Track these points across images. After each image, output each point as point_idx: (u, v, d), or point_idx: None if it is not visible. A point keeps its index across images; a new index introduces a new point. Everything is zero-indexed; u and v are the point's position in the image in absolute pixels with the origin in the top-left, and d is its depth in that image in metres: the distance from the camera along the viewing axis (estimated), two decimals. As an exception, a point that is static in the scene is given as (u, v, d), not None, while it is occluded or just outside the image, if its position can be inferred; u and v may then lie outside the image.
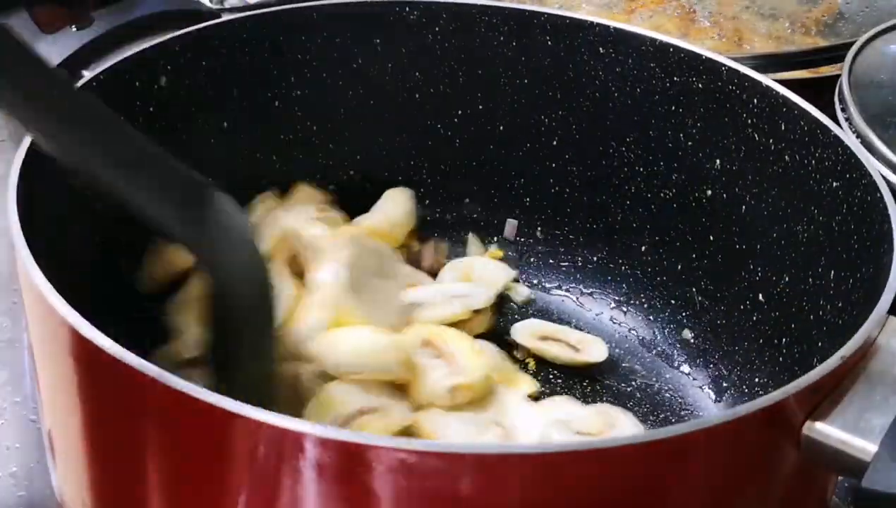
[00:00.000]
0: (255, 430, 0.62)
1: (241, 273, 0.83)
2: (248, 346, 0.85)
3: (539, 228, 1.13)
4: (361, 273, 0.96)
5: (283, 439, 0.62)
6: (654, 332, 1.10)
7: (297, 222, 0.99)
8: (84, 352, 0.68)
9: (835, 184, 0.90)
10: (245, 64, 1.04)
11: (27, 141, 0.83)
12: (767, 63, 1.16)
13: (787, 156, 0.95)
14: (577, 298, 1.13)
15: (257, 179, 1.06)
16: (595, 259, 1.13)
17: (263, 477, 0.64)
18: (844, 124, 1.03)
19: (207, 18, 1.02)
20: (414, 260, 1.08)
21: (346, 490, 0.63)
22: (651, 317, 1.10)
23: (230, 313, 0.82)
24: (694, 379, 1.05)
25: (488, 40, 1.08)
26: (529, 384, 0.99)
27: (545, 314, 1.12)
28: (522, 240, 1.15)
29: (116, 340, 0.66)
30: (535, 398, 0.99)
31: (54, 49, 0.97)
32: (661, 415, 1.03)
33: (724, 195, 1.02)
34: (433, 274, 1.08)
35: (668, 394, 1.05)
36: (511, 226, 1.15)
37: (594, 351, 1.05)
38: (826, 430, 0.68)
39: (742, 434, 0.66)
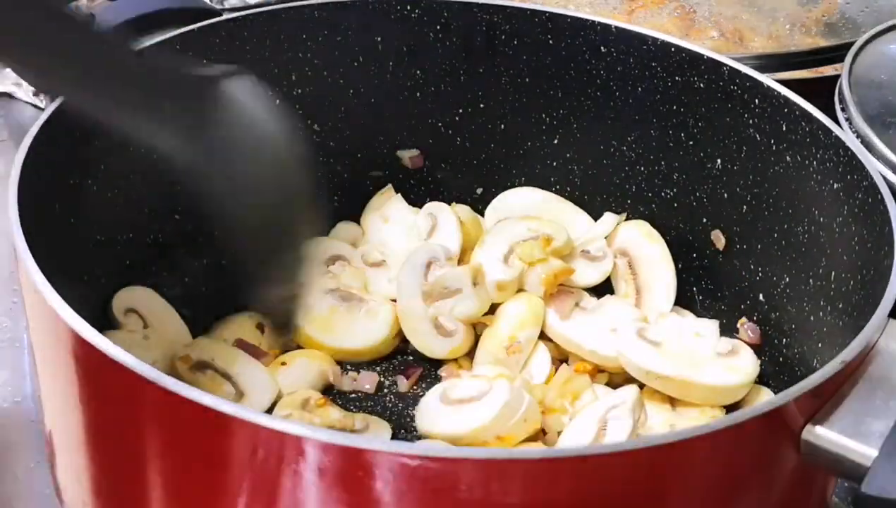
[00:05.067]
0: (256, 434, 0.62)
1: (256, 182, 0.77)
2: (277, 252, 0.80)
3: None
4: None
5: (284, 443, 0.62)
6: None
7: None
8: (84, 353, 0.68)
9: (836, 185, 0.90)
10: (246, 62, 1.03)
11: (27, 141, 0.83)
12: (768, 63, 1.16)
13: (787, 157, 0.95)
14: (578, 297, 1.13)
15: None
16: (595, 258, 1.13)
17: (264, 481, 0.64)
18: (844, 124, 1.03)
19: (208, 17, 1.02)
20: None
21: (347, 494, 0.63)
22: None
23: (251, 220, 0.77)
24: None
25: (489, 39, 1.08)
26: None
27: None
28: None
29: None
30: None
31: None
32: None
33: (725, 195, 1.02)
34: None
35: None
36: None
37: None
38: (826, 435, 0.68)
39: (743, 438, 0.67)
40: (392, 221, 1.09)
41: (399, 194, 1.11)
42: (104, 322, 0.93)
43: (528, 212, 1.10)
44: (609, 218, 1.09)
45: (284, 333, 0.86)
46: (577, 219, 1.11)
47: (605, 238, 1.08)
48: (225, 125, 0.73)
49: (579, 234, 1.08)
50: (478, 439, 0.89)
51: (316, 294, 1.01)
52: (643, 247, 1.08)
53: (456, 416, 0.91)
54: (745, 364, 0.95)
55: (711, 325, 0.98)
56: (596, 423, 0.89)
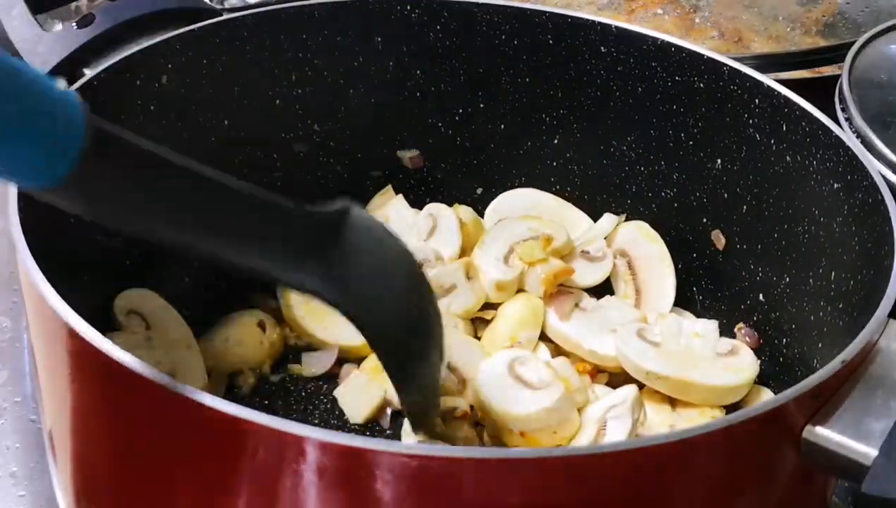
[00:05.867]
0: (256, 433, 0.62)
1: (390, 306, 0.78)
2: (413, 364, 0.81)
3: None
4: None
5: (285, 443, 0.62)
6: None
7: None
8: (84, 353, 0.68)
9: (836, 185, 0.90)
10: (246, 62, 1.04)
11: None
12: (767, 63, 1.16)
13: (787, 157, 0.95)
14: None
15: (258, 176, 1.06)
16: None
17: (265, 481, 0.64)
18: (844, 124, 1.03)
19: (208, 17, 1.02)
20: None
21: (347, 494, 0.63)
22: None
23: (389, 345, 0.78)
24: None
25: (490, 39, 1.08)
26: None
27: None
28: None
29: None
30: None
31: (56, 47, 0.97)
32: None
33: (725, 195, 1.02)
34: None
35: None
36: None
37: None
38: (826, 434, 0.68)
39: (743, 437, 0.66)
40: (393, 221, 1.09)
41: (400, 194, 1.11)
42: (105, 323, 0.93)
43: (528, 212, 1.10)
44: (608, 218, 1.09)
45: (422, 430, 0.87)
46: (577, 219, 1.11)
47: (605, 238, 1.08)
48: (357, 257, 0.74)
49: (579, 235, 1.08)
50: (510, 422, 0.88)
51: None
52: (643, 248, 1.08)
53: (511, 393, 0.90)
54: (745, 364, 0.95)
55: (711, 325, 0.98)
56: (595, 423, 0.89)
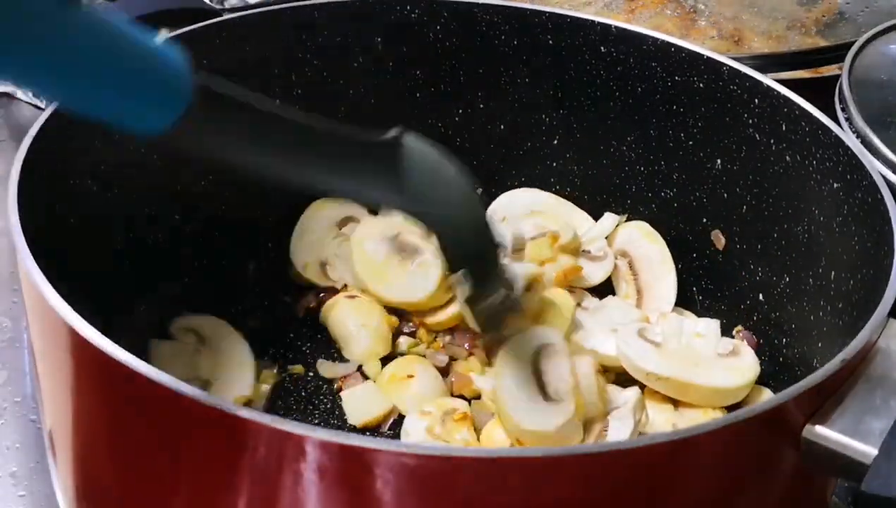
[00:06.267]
0: (257, 432, 0.62)
1: (455, 211, 0.86)
2: (479, 269, 0.88)
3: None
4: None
5: (285, 442, 0.62)
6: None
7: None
8: (84, 353, 0.68)
9: (835, 184, 0.90)
10: (246, 62, 1.04)
11: (27, 141, 0.83)
12: (767, 63, 1.16)
13: (787, 157, 0.95)
14: (578, 297, 1.13)
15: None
16: (595, 258, 1.13)
17: (265, 480, 0.64)
18: (844, 124, 1.03)
19: (208, 17, 1.02)
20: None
21: (347, 494, 0.63)
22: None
23: (456, 247, 0.86)
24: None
25: (489, 39, 1.08)
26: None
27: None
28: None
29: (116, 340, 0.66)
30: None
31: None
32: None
33: (725, 195, 1.02)
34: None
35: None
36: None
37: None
38: (826, 433, 0.68)
39: (743, 436, 0.66)
40: None
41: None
42: (107, 324, 0.93)
43: (528, 211, 1.10)
44: (609, 218, 1.09)
45: (496, 330, 0.93)
46: (578, 219, 1.11)
47: (606, 239, 1.08)
48: (417, 173, 0.81)
49: (580, 234, 1.08)
50: (510, 428, 0.89)
51: (376, 238, 1.03)
52: (643, 248, 1.08)
53: (522, 399, 0.89)
54: (746, 364, 0.95)
55: (713, 325, 0.98)
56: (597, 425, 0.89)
